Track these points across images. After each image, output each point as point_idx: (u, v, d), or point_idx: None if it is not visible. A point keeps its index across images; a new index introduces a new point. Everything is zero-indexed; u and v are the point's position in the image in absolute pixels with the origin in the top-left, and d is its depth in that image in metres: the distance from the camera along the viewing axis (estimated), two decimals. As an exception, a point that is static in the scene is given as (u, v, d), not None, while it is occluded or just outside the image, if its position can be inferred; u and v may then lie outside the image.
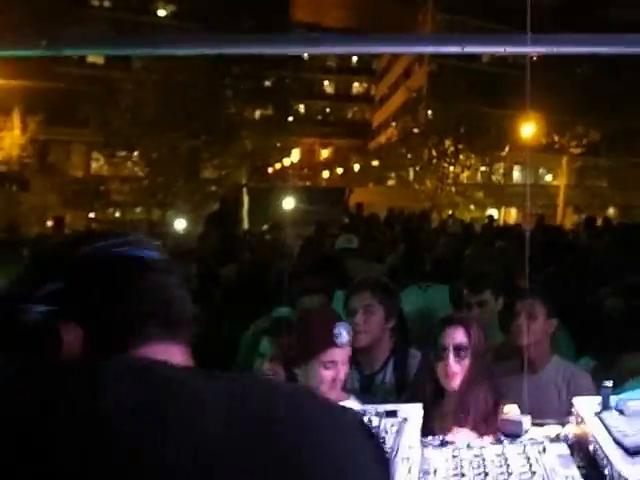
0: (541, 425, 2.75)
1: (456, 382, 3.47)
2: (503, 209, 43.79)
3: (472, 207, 42.60)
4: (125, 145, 36.96)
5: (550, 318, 4.65)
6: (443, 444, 2.73)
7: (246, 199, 27.87)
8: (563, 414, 3.01)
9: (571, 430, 2.62)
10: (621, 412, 2.39)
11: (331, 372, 3.54)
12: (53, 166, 43.61)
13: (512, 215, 45.03)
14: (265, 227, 18.47)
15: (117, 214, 44.31)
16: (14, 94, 34.43)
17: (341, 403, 2.70)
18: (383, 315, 4.60)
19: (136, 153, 38.19)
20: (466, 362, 3.45)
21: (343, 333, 3.50)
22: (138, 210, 42.03)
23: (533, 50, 2.91)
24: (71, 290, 1.26)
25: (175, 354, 1.31)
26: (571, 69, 36.41)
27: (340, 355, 3.56)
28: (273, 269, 8.73)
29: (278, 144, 43.70)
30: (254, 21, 36.28)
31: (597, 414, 2.42)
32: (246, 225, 23.76)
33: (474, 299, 5.58)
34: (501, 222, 35.39)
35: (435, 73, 48.20)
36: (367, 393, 4.44)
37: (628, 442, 2.13)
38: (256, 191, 30.61)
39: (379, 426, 2.39)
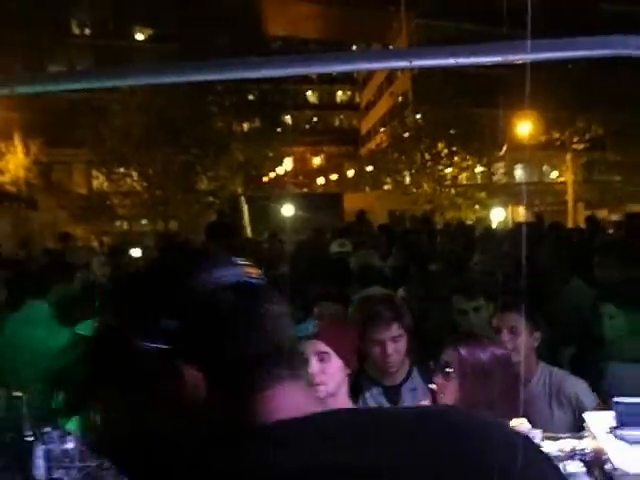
0: (555, 439, 2.67)
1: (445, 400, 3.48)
2: (510, 208, 43.53)
3: (476, 207, 42.51)
4: (121, 162, 38.62)
5: (534, 331, 4.60)
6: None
7: (245, 208, 28.01)
8: (557, 423, 2.94)
9: (586, 445, 2.53)
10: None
11: None
12: (57, 185, 44.36)
13: (520, 214, 44.79)
14: (266, 235, 18.55)
15: (125, 226, 45.26)
16: (14, 120, 35.55)
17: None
18: (407, 339, 4.66)
19: (133, 169, 39.36)
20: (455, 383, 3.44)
21: (308, 327, 3.65)
22: (144, 222, 43.20)
23: (533, 57, 2.87)
24: (189, 329, 1.19)
25: (301, 395, 1.24)
26: (564, 64, 36.24)
27: None
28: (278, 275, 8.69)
29: (269, 154, 44.32)
30: (230, 38, 36.92)
31: (612, 431, 2.36)
32: (249, 233, 23.94)
33: (470, 305, 5.55)
34: (510, 222, 35.18)
35: (419, 76, 48.15)
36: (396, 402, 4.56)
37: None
38: (254, 199, 30.74)
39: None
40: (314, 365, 3.74)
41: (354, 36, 57.21)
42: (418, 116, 45.57)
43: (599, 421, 2.48)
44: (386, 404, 4.51)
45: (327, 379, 3.77)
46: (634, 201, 45.62)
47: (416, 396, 4.52)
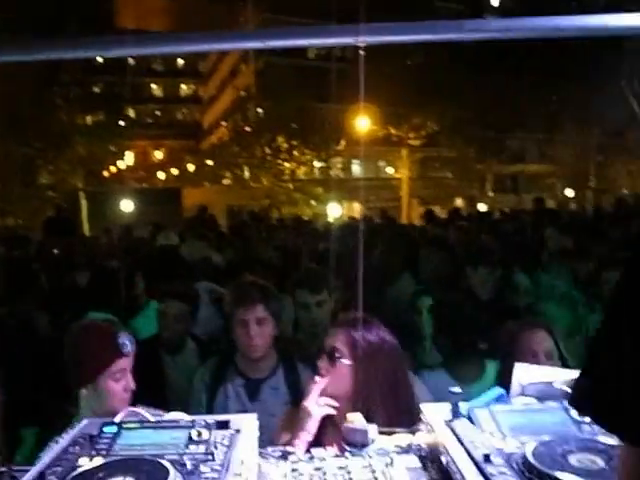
0: (389, 434, 2.60)
1: (331, 388, 3.37)
2: (346, 204, 44.10)
3: (313, 203, 42.88)
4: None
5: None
6: (283, 456, 2.54)
7: (84, 203, 27.52)
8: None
9: (422, 439, 2.48)
10: (471, 420, 2.29)
11: (122, 383, 3.47)
12: None
13: (355, 209, 45.40)
14: (103, 231, 18.25)
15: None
16: None
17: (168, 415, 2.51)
18: (274, 325, 4.55)
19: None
20: (344, 368, 3.34)
21: (127, 343, 3.47)
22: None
23: (370, 40, 2.82)
24: None
25: None
26: (402, 60, 37.03)
27: (127, 363, 3.50)
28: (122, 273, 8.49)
29: (111, 148, 43.47)
30: (79, 28, 36.05)
31: (447, 422, 2.31)
32: (86, 229, 23.49)
33: (313, 299, 5.50)
34: (345, 217, 35.61)
35: (262, 71, 48.46)
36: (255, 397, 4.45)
37: (479, 454, 2.04)
38: (94, 194, 30.26)
39: (209, 439, 2.19)
40: (130, 378, 3.54)
41: (203, 29, 57.10)
42: (260, 110, 45.75)
43: (436, 413, 2.42)
44: (245, 398, 4.41)
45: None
46: (463, 196, 47.26)
47: (276, 395, 4.45)
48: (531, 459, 1.97)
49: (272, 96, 41.74)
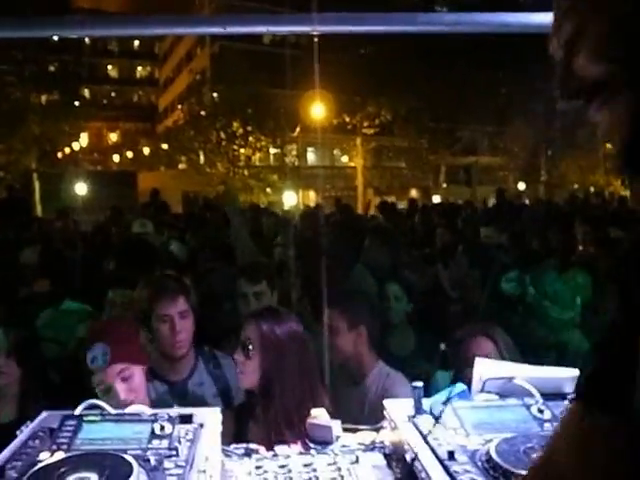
0: (354, 431, 2.57)
1: (247, 380, 3.36)
2: (301, 192, 43.79)
3: (268, 190, 42.65)
4: None
5: (354, 328, 4.48)
6: (247, 453, 2.50)
7: (37, 184, 27.16)
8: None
9: (386, 437, 2.45)
10: (434, 416, 2.27)
11: (124, 385, 3.40)
12: None
13: (311, 198, 45.10)
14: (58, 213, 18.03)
15: None
16: None
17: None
18: (193, 319, 4.40)
19: None
20: (256, 359, 3.31)
21: (98, 357, 3.33)
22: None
23: (322, 29, 2.79)
24: None
25: None
26: (356, 49, 36.91)
27: (109, 375, 3.39)
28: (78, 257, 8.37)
29: (66, 128, 42.69)
30: (35, 9, 35.41)
31: (410, 419, 2.29)
32: (39, 211, 23.16)
33: (251, 289, 5.41)
34: (301, 205, 35.39)
35: (217, 55, 48.12)
36: (183, 399, 4.24)
37: (443, 451, 2.03)
38: (47, 176, 29.85)
39: (172, 434, 2.14)
40: (120, 389, 3.43)
41: (158, 11, 56.72)
42: (215, 94, 45.46)
43: (400, 409, 2.40)
44: (173, 402, 4.28)
45: (136, 391, 3.55)
46: (417, 187, 47.27)
47: (204, 391, 4.33)
48: (495, 457, 1.97)
49: (227, 80, 41.48)
